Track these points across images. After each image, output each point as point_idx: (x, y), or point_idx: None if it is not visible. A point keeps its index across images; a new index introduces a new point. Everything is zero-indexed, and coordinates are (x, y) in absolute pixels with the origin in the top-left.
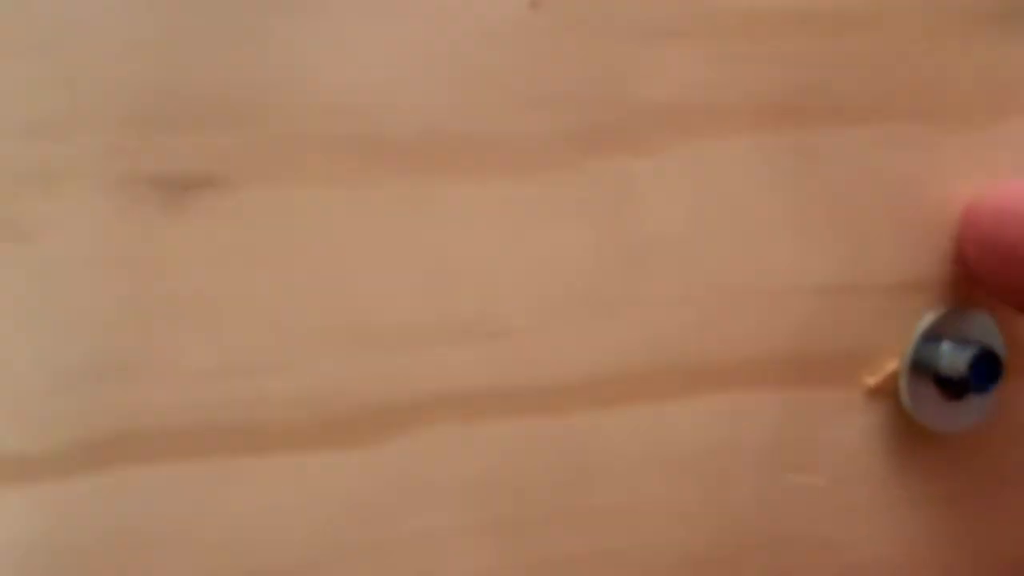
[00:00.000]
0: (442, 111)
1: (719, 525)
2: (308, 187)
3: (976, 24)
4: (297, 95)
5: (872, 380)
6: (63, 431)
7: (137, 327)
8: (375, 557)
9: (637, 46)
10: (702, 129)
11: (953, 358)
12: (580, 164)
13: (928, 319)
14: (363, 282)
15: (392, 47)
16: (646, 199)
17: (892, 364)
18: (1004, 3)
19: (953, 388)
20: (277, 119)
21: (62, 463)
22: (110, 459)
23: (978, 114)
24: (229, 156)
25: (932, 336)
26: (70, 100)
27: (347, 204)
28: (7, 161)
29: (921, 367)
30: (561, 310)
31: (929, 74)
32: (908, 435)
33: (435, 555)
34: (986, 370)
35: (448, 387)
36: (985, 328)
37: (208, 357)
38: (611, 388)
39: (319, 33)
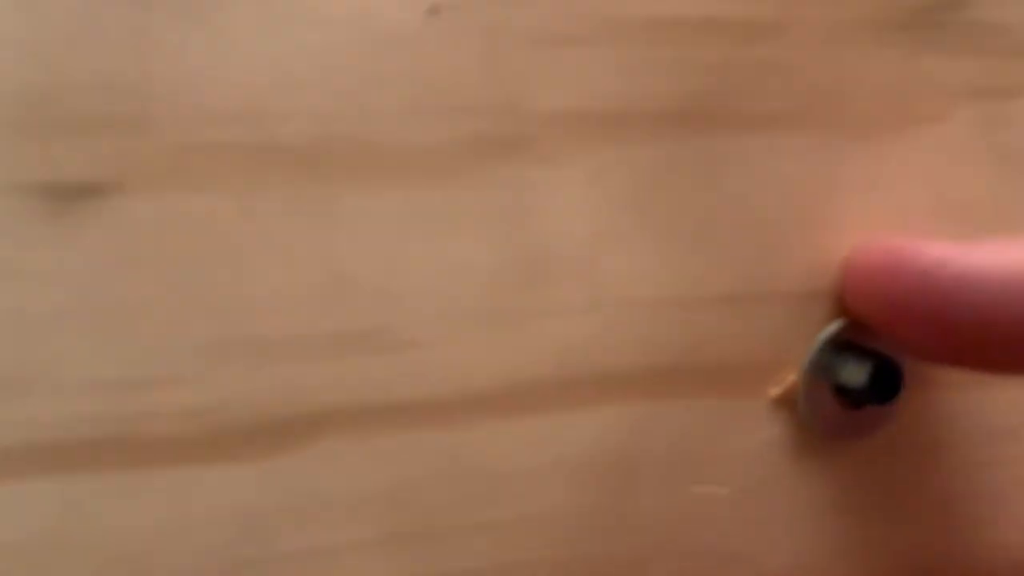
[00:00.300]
0: (337, 118)
1: (623, 536)
2: (199, 195)
3: (880, 34)
4: (185, 101)
5: (775, 390)
6: None
7: (22, 339)
8: (268, 573)
9: (538, 54)
10: (605, 137)
11: (853, 369)
12: (480, 173)
13: (830, 329)
14: (256, 292)
15: (285, 52)
16: (549, 208)
17: (794, 374)
18: (908, 14)
19: (853, 399)
20: (165, 126)
21: None
22: None
23: (882, 123)
24: (116, 164)
25: (835, 346)
26: None
27: (239, 212)
28: None
29: (821, 377)
30: (461, 321)
31: (833, 83)
32: (811, 445)
33: (331, 571)
34: (886, 382)
35: (345, 400)
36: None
37: (95, 369)
38: (514, 399)
39: (209, 38)
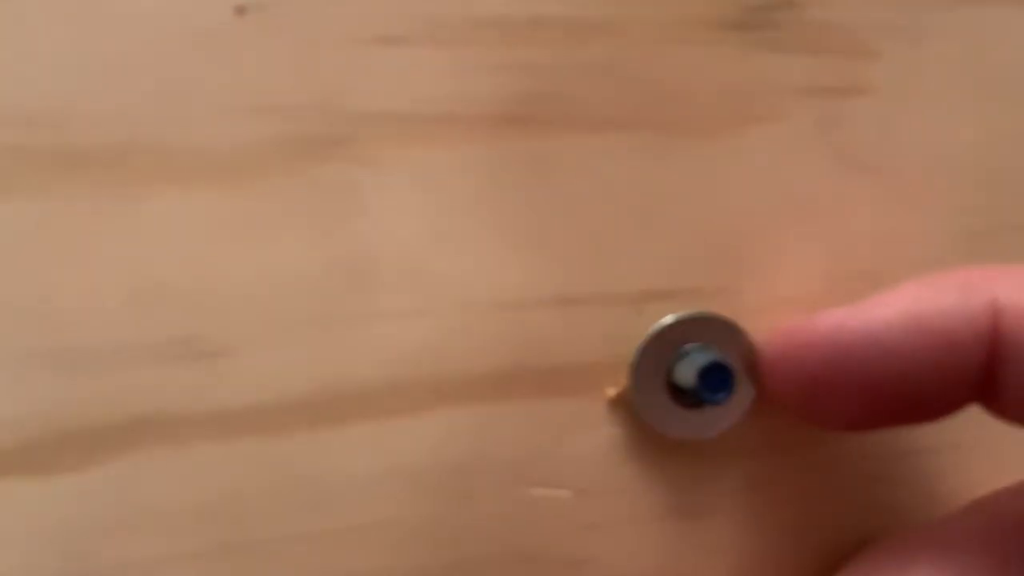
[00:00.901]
0: (142, 119)
1: (461, 543)
2: None
3: (714, 33)
4: None
5: (612, 391)
6: None
7: None
8: None
9: (353, 54)
10: (429, 139)
11: (684, 368)
12: (296, 174)
13: (661, 324)
14: (62, 301)
15: (85, 52)
16: (372, 210)
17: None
18: (742, 12)
19: (686, 398)
20: None
21: None
22: None
23: (716, 123)
24: None
25: (671, 345)
26: None
27: (41, 218)
28: None
29: (655, 377)
30: (280, 327)
31: (666, 83)
32: (651, 446)
33: None
34: (716, 381)
35: (159, 410)
36: (728, 336)
37: None
38: (341, 406)
39: (8, 35)
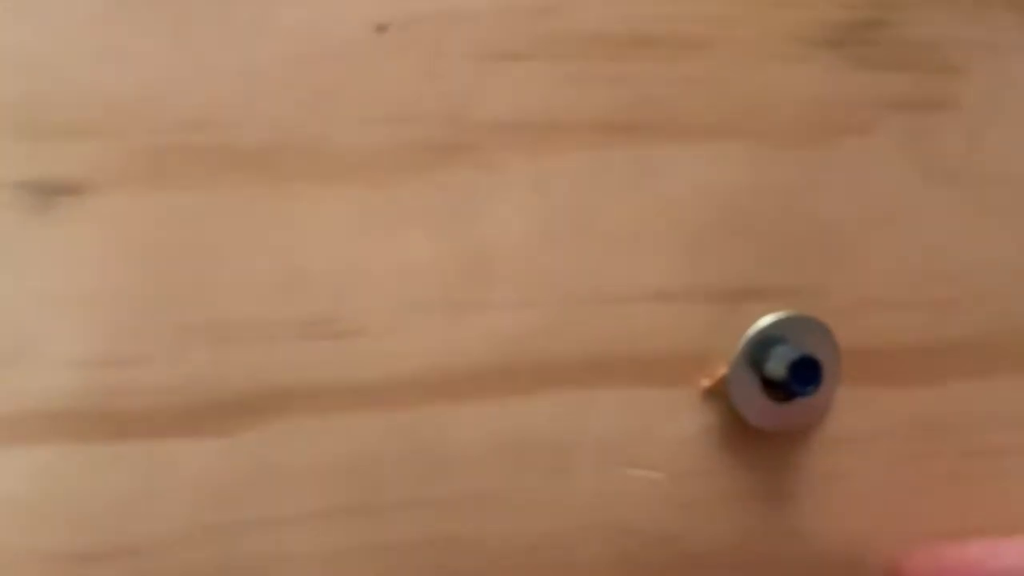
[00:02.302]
0: (294, 123)
1: (559, 516)
2: (168, 192)
3: (808, 49)
4: (158, 108)
5: (706, 381)
6: None
7: (10, 320)
8: (230, 537)
9: (480, 68)
10: (544, 145)
11: (776, 362)
12: (426, 176)
13: (758, 325)
14: (220, 281)
15: (245, 65)
16: (492, 210)
17: (724, 367)
18: (834, 31)
19: (776, 391)
20: (137, 130)
21: None
22: None
23: (809, 134)
24: (93, 164)
25: (765, 341)
26: None
27: (205, 208)
28: None
29: (749, 371)
30: (411, 311)
31: (762, 95)
32: (740, 434)
33: (288, 538)
34: (805, 375)
35: (302, 380)
36: (818, 336)
37: (77, 348)
38: (460, 384)
39: (176, 50)
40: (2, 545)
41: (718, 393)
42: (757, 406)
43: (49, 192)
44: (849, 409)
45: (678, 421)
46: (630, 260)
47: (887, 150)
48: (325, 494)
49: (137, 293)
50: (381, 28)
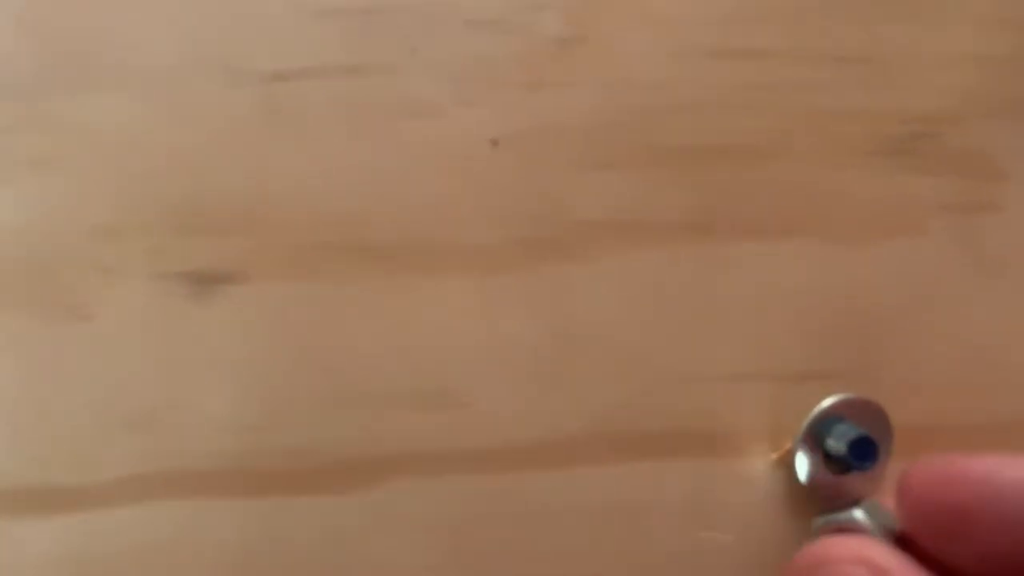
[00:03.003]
0: (418, 223)
1: (639, 573)
2: (307, 281)
3: (866, 157)
4: (295, 210)
5: (774, 454)
6: (111, 469)
7: (170, 388)
8: None
9: (578, 175)
10: (631, 241)
11: (836, 440)
12: (529, 268)
13: (821, 405)
14: (348, 357)
15: (376, 172)
16: (583, 297)
17: (790, 441)
18: (891, 141)
19: (837, 464)
20: (284, 227)
21: (109, 495)
22: (146, 494)
23: (866, 233)
24: (245, 256)
25: (827, 420)
26: (122, 210)
27: (337, 295)
28: (75, 257)
29: (813, 446)
30: (510, 386)
31: (824, 199)
32: (803, 502)
33: None
34: (863, 451)
35: (416, 447)
36: (874, 415)
37: (221, 414)
38: (550, 453)
39: (317, 160)
40: None
41: (784, 465)
42: (819, 477)
43: (206, 281)
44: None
45: (747, 489)
46: (705, 344)
47: (938, 248)
48: (433, 548)
49: (277, 368)
50: (494, 142)
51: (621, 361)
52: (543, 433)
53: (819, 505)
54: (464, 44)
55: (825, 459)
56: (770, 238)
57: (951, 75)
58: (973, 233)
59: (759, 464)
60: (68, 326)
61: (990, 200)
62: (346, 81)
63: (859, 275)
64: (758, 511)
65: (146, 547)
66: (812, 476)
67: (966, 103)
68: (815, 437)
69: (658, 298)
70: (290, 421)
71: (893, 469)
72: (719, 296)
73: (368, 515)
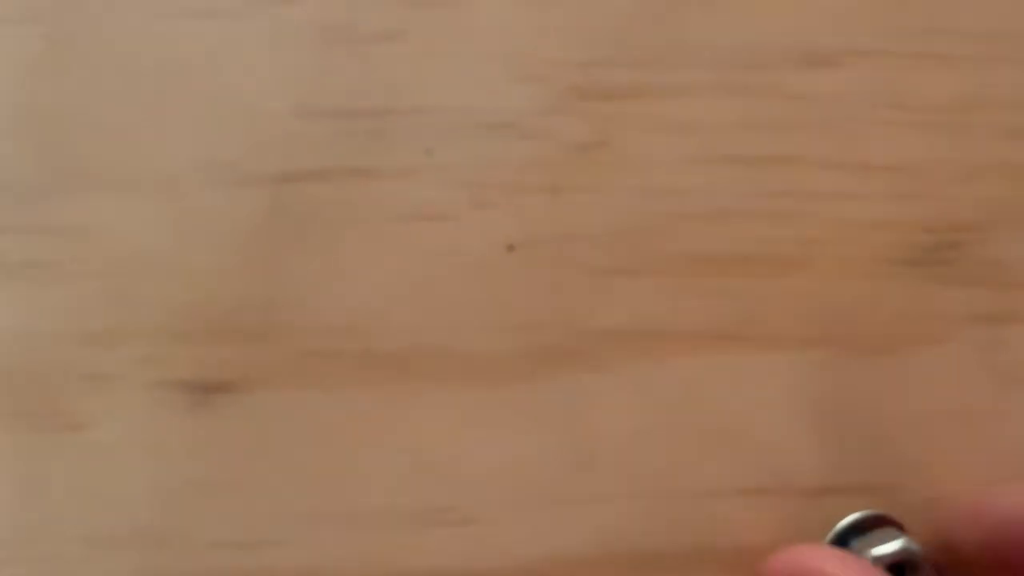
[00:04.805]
0: (425, 331)
1: None
2: (309, 391)
3: (892, 267)
4: (304, 316)
5: None
6: None
7: (162, 503)
8: None
9: (595, 282)
10: (648, 351)
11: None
12: (541, 378)
13: (844, 522)
14: (353, 471)
15: (386, 278)
16: (597, 409)
17: None
18: (916, 251)
19: None
20: (287, 335)
21: None
22: None
23: (892, 343)
24: (246, 365)
25: (850, 535)
26: (119, 316)
27: (342, 405)
28: (67, 364)
29: None
30: (521, 501)
31: (848, 309)
32: None
33: None
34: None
35: (421, 566)
36: (896, 533)
37: (219, 530)
38: (561, 572)
39: (325, 267)
40: None
41: None
42: None
43: (204, 390)
44: None
45: None
46: (724, 457)
47: (962, 358)
48: None
49: (277, 482)
50: (511, 247)
51: (636, 476)
52: (553, 551)
53: None
54: (480, 147)
55: None
56: (793, 348)
57: (977, 185)
58: (998, 344)
59: None
60: (56, 435)
61: (1016, 310)
62: (357, 183)
63: (882, 386)
64: None
65: None
66: None
67: (992, 213)
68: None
69: (676, 410)
70: (290, 538)
71: None
72: (737, 408)
73: None
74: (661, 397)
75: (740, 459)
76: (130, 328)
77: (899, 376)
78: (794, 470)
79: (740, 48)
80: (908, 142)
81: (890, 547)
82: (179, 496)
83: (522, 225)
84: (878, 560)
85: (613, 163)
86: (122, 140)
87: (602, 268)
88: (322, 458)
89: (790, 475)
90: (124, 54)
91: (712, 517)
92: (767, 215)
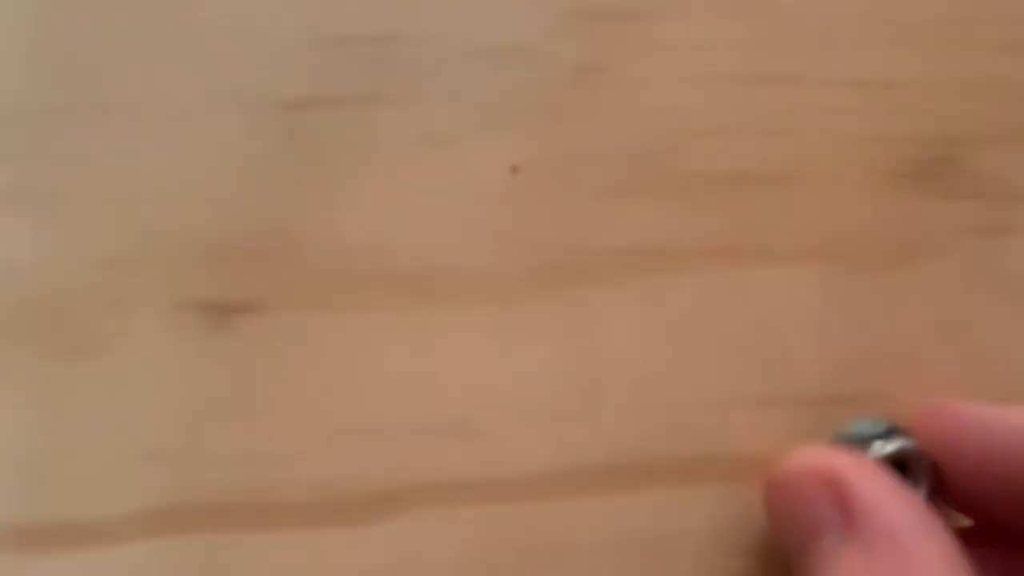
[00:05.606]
0: (435, 252)
1: None
2: (327, 312)
3: (890, 181)
4: (318, 238)
5: None
6: (128, 504)
7: (186, 421)
8: None
9: (599, 202)
10: (653, 268)
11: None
12: (550, 296)
13: (845, 427)
14: (369, 388)
15: (399, 202)
16: (604, 325)
17: None
18: (912, 165)
19: None
20: (304, 257)
21: (126, 530)
22: (164, 528)
23: (890, 257)
24: (263, 287)
25: (853, 439)
26: (140, 242)
27: (357, 325)
28: (86, 290)
29: None
30: (533, 415)
31: (846, 223)
32: None
33: None
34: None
35: (437, 477)
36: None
37: (241, 447)
38: (572, 482)
39: (337, 189)
40: None
41: None
42: None
43: (222, 312)
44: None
45: None
46: (729, 370)
47: (959, 270)
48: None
49: (295, 399)
50: (515, 169)
51: (644, 389)
52: (565, 462)
53: None
54: (483, 71)
55: None
56: (792, 264)
57: (971, 99)
58: (994, 256)
59: None
60: (82, 359)
61: (1010, 223)
62: (366, 109)
63: (880, 299)
64: None
65: None
66: None
67: (986, 127)
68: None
69: (681, 324)
70: (309, 453)
71: None
72: (742, 322)
73: (388, 546)
74: (666, 312)
75: (744, 371)
76: (148, 253)
77: (898, 288)
78: (797, 380)
79: None
80: (903, 58)
81: (891, 445)
82: (202, 415)
83: (525, 147)
84: (879, 458)
85: (614, 84)
86: (135, 69)
87: (605, 188)
88: (338, 375)
89: (793, 385)
90: None
91: (717, 427)
92: (765, 132)
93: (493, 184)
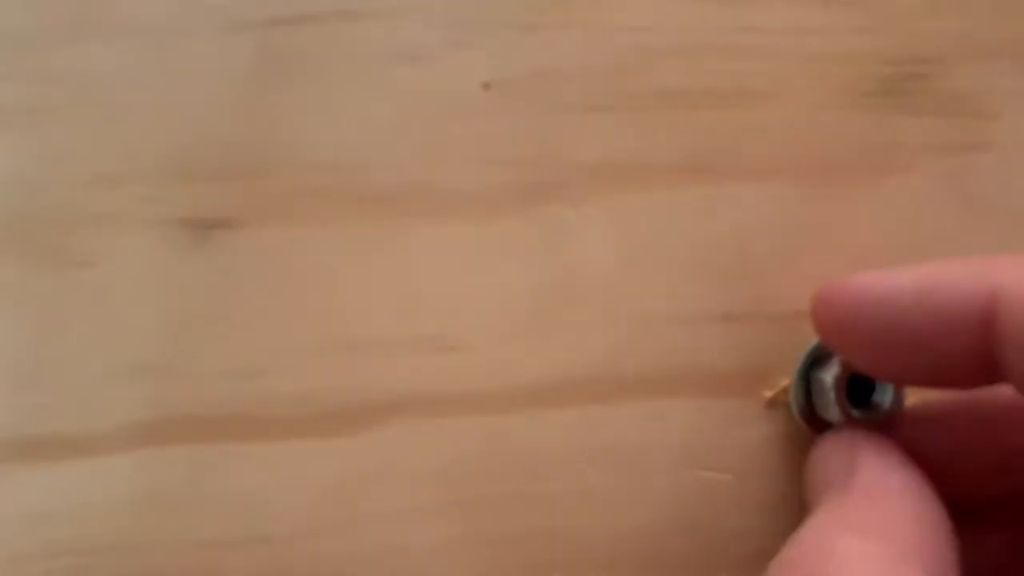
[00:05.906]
0: (411, 168)
1: (640, 512)
2: (304, 228)
3: (858, 99)
4: (295, 155)
5: (768, 393)
6: (112, 417)
7: (169, 336)
8: (352, 528)
9: (570, 118)
10: (624, 184)
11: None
12: (523, 212)
13: (813, 343)
14: (347, 303)
15: (371, 117)
16: (577, 241)
17: (785, 380)
18: (881, 83)
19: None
20: (279, 173)
21: (110, 442)
22: (147, 440)
23: (859, 174)
24: (241, 203)
25: (819, 357)
26: (117, 159)
27: (335, 241)
28: (70, 206)
29: (806, 383)
30: (507, 330)
31: (815, 140)
32: (799, 440)
33: (403, 529)
34: (851, 389)
35: (415, 389)
36: None
37: (223, 361)
38: (549, 394)
39: (313, 106)
40: (152, 535)
41: (779, 403)
42: (813, 416)
43: (202, 227)
44: None
45: (743, 428)
46: (699, 285)
47: (927, 187)
48: (434, 490)
49: (275, 314)
50: (486, 85)
51: (616, 303)
52: (540, 375)
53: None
54: None
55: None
56: (762, 180)
57: (941, 17)
58: (964, 173)
59: (754, 404)
60: (66, 274)
61: (981, 140)
62: (342, 26)
63: (849, 215)
64: (755, 450)
65: (147, 494)
66: (806, 414)
67: (956, 44)
68: (809, 374)
69: (652, 239)
70: (290, 366)
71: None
72: (711, 239)
73: (367, 459)
74: (638, 228)
75: (715, 287)
76: (129, 170)
77: (866, 204)
78: (767, 297)
79: None
80: None
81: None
82: (184, 329)
83: (497, 63)
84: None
85: (586, 1)
86: None
87: (576, 104)
88: (317, 290)
89: (763, 301)
90: None
91: (689, 342)
92: (735, 50)
93: (464, 100)
